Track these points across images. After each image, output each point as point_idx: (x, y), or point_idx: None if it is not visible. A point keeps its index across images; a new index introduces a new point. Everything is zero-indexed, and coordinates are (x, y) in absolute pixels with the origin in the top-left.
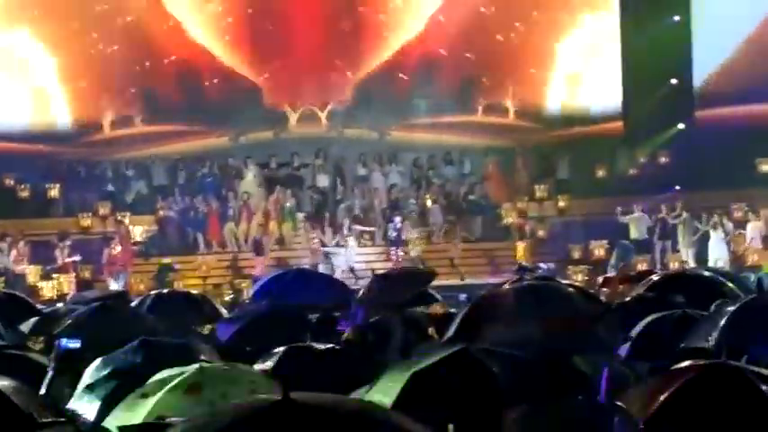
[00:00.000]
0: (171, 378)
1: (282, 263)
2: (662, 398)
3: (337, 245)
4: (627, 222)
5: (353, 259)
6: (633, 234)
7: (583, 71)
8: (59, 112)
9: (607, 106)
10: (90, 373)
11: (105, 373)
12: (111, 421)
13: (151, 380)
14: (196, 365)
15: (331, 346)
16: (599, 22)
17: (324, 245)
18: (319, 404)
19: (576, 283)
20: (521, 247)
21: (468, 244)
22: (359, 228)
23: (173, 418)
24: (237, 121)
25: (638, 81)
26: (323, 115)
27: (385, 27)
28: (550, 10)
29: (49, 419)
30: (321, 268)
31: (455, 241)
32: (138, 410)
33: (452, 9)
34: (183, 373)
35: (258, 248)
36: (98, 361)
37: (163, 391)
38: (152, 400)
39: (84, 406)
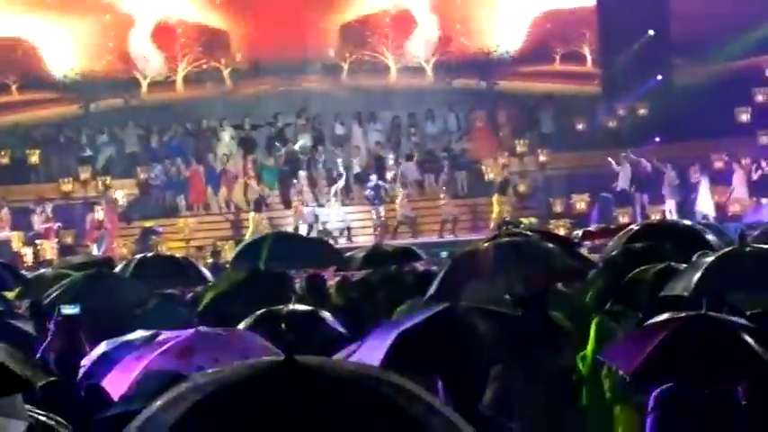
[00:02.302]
0: (166, 340)
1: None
2: (646, 351)
3: (319, 205)
4: (618, 172)
5: (339, 218)
6: (622, 184)
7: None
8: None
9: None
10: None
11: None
12: (107, 378)
13: (147, 338)
14: (194, 329)
15: (311, 308)
16: None
17: (307, 205)
18: (322, 366)
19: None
20: (496, 201)
21: (454, 200)
22: (333, 187)
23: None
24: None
25: (615, 32)
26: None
27: None
28: None
29: (44, 381)
30: (303, 229)
31: (443, 196)
32: (130, 372)
33: None
34: (178, 335)
35: (258, 206)
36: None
37: (155, 354)
38: (142, 362)
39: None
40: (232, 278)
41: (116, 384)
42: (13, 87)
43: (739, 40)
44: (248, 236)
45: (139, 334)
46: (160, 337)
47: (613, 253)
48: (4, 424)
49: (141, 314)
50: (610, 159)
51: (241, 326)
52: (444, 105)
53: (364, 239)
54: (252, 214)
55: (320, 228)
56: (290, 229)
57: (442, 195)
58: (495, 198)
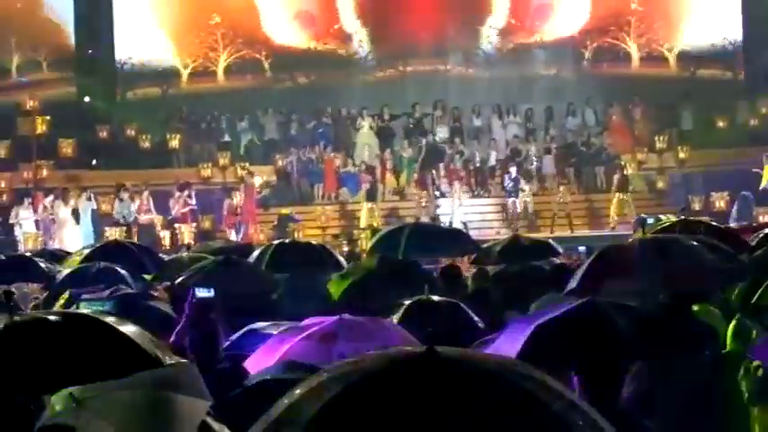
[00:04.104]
0: (311, 326)
1: (394, 213)
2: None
3: (443, 196)
4: (758, 172)
5: (464, 212)
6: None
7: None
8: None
9: (727, 54)
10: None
11: None
12: (249, 359)
13: (292, 325)
14: (338, 317)
15: (450, 299)
16: None
17: (436, 197)
18: (464, 358)
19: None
20: (615, 200)
21: (581, 195)
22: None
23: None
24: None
25: (759, 32)
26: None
27: None
28: None
29: (174, 361)
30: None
31: (563, 192)
32: (273, 354)
33: None
34: (322, 322)
35: (370, 196)
36: None
37: (298, 338)
38: (286, 345)
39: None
40: (366, 266)
41: (258, 366)
42: None
43: None
44: (362, 225)
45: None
46: (304, 323)
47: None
48: (190, 403)
49: (276, 300)
50: (755, 170)
51: (394, 319)
52: (582, 98)
53: (486, 233)
54: (365, 204)
55: (444, 220)
56: (410, 220)
57: (576, 191)
58: (616, 196)
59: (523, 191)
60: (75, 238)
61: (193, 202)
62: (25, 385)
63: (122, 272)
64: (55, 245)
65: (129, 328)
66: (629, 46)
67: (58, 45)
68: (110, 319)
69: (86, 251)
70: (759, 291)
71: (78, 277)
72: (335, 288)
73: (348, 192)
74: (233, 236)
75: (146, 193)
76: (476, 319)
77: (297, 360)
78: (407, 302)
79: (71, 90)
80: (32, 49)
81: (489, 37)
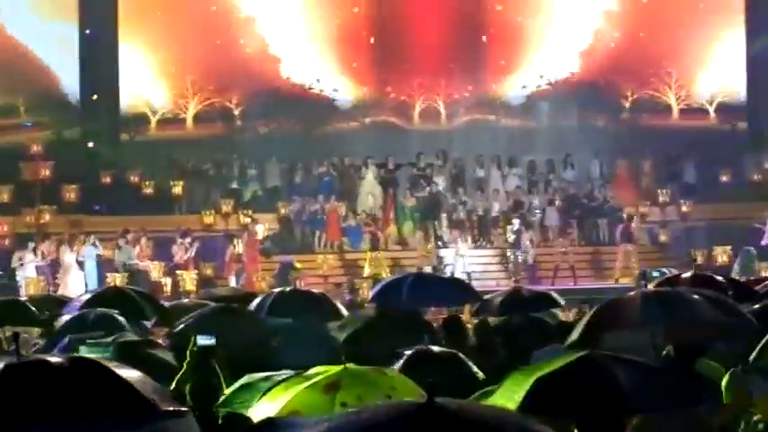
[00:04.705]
0: (315, 375)
1: (396, 263)
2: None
3: (445, 246)
4: (760, 228)
5: (466, 263)
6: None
7: (707, 72)
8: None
9: (732, 107)
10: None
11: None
12: (253, 407)
13: (296, 373)
14: (342, 366)
15: (450, 350)
16: (724, 20)
17: (438, 247)
18: (463, 410)
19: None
20: (621, 252)
21: (584, 247)
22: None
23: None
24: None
25: (762, 85)
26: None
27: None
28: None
29: (172, 408)
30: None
31: (568, 245)
32: (277, 402)
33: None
34: (327, 371)
35: (373, 245)
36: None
37: (302, 387)
38: (290, 394)
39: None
40: (367, 316)
41: (264, 414)
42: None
43: None
44: (365, 274)
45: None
46: (309, 371)
47: (755, 307)
48: None
49: (275, 348)
50: (757, 225)
51: (396, 367)
52: (586, 150)
53: (487, 284)
54: (369, 253)
55: (445, 270)
56: (411, 269)
57: (578, 243)
58: (621, 248)
59: (526, 243)
60: (79, 283)
61: (195, 248)
62: (21, 424)
63: (120, 318)
64: (59, 291)
65: (129, 374)
66: (628, 98)
67: (59, 88)
68: (110, 364)
69: (86, 297)
70: (757, 347)
71: (77, 323)
72: (336, 336)
73: (350, 242)
74: (233, 282)
75: (144, 240)
76: (476, 370)
77: (300, 409)
78: (408, 352)
79: (75, 133)
80: (34, 93)
81: (494, 87)
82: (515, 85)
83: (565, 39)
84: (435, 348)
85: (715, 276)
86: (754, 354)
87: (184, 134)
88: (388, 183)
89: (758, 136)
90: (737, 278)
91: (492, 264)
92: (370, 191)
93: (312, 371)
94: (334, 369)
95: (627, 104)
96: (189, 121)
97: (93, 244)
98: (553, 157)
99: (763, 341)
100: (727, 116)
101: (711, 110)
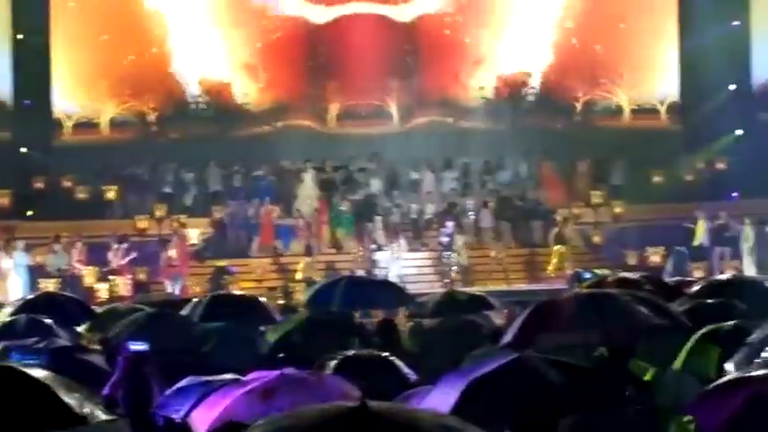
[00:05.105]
0: (252, 381)
1: (330, 267)
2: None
3: (380, 249)
4: (690, 228)
5: (401, 266)
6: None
7: (641, 76)
8: None
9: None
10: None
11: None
12: (191, 413)
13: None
14: (278, 372)
15: (383, 353)
16: (657, 26)
17: (373, 251)
18: (396, 413)
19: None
20: (555, 252)
21: (516, 249)
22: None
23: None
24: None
25: (696, 86)
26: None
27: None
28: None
29: (104, 418)
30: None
31: (499, 245)
32: (214, 409)
33: None
34: (264, 376)
35: (308, 250)
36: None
37: (239, 393)
38: (227, 400)
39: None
40: (298, 319)
41: (202, 420)
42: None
43: None
44: (298, 277)
45: (224, 375)
46: (246, 377)
47: (681, 308)
48: None
49: (207, 352)
50: (687, 225)
51: (327, 371)
52: (517, 152)
53: (422, 287)
54: (304, 259)
55: (380, 273)
56: (346, 273)
57: (512, 245)
58: (554, 249)
59: (458, 245)
60: (18, 289)
61: (132, 253)
62: None
63: (51, 324)
64: None
65: (59, 382)
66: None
67: None
68: (41, 374)
69: (17, 303)
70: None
71: (7, 330)
72: (268, 340)
73: (281, 244)
74: (169, 288)
75: (79, 245)
76: (409, 372)
77: (237, 415)
78: (340, 356)
79: (6, 138)
80: None
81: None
82: (460, 89)
83: (516, 44)
84: (366, 351)
85: (635, 278)
86: (683, 354)
87: (103, 138)
88: (327, 185)
89: (691, 136)
90: (669, 279)
91: (426, 266)
92: (308, 194)
93: (249, 376)
94: (272, 374)
95: (578, 106)
96: (105, 126)
97: (22, 250)
98: (489, 159)
99: (692, 341)
100: (660, 117)
101: (663, 111)
